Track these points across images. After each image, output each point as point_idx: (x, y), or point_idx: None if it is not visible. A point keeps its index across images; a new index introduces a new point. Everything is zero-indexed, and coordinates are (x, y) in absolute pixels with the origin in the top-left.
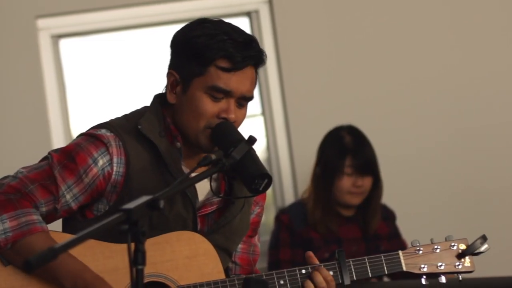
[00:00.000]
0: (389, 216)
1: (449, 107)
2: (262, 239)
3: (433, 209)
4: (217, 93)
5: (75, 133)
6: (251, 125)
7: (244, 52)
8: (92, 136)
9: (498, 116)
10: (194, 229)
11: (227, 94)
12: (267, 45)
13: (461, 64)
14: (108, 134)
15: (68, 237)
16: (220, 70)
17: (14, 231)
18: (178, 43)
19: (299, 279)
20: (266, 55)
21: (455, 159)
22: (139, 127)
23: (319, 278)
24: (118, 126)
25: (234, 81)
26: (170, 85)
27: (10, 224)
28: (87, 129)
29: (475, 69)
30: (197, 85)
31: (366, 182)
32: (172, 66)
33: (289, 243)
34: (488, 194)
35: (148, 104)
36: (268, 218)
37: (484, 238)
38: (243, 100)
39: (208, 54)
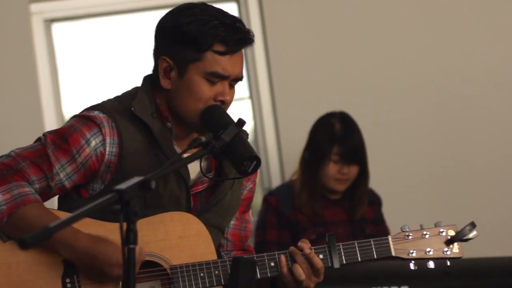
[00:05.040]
0: (375, 201)
1: (431, 86)
2: None
3: (418, 187)
4: (215, 77)
5: (67, 117)
6: (239, 108)
7: (235, 35)
8: (85, 118)
9: (482, 89)
10: (188, 207)
11: (224, 78)
12: (255, 30)
13: (439, 40)
14: (101, 115)
15: (63, 214)
16: (217, 55)
17: (8, 203)
18: (168, 30)
19: (289, 262)
20: (253, 33)
21: (437, 137)
22: (132, 109)
23: (300, 257)
24: (110, 107)
25: (230, 65)
26: (163, 70)
27: (3, 197)
28: (80, 111)
29: (455, 44)
30: (194, 70)
31: (352, 171)
32: (163, 52)
33: (276, 225)
34: (473, 171)
35: (139, 85)
36: (255, 200)
37: (473, 225)
38: (236, 81)
39: (204, 40)
